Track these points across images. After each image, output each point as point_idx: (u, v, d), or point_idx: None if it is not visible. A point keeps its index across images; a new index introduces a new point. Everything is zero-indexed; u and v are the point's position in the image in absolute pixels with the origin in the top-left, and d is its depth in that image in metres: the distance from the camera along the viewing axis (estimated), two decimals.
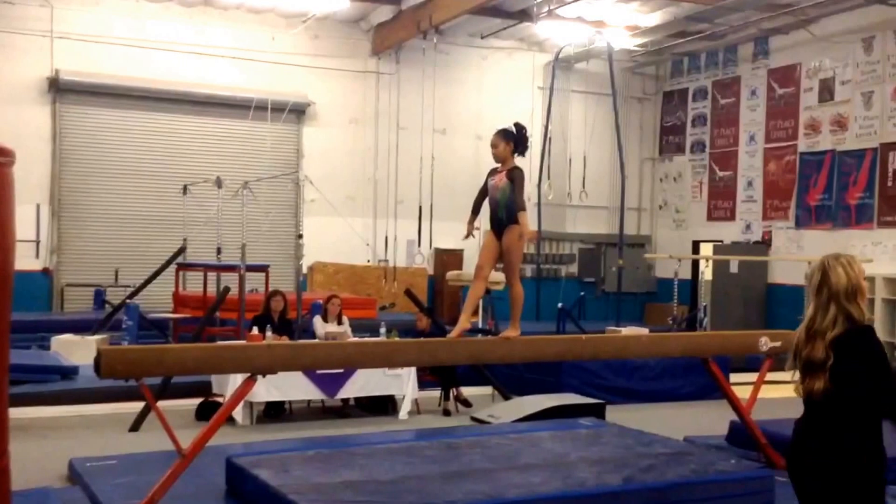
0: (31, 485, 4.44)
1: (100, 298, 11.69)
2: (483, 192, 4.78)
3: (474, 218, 4.84)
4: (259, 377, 4.19)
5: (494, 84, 14.47)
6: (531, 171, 14.06)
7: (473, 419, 7.11)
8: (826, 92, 12.70)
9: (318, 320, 7.97)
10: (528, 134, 4.81)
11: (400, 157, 13.34)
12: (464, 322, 4.67)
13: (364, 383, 7.10)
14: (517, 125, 4.77)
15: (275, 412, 7.24)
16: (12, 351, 2.62)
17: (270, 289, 9.08)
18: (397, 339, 7.01)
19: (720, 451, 5.60)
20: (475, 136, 14.40)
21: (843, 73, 12.45)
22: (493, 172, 4.76)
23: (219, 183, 10.28)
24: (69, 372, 7.91)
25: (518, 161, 4.76)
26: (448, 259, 13.66)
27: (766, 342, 5.28)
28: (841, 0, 11.84)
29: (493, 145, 4.73)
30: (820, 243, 12.39)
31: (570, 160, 14.52)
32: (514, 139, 4.69)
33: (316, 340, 7.17)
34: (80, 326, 9.83)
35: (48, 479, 4.86)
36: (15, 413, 2.97)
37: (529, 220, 4.73)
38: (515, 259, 4.69)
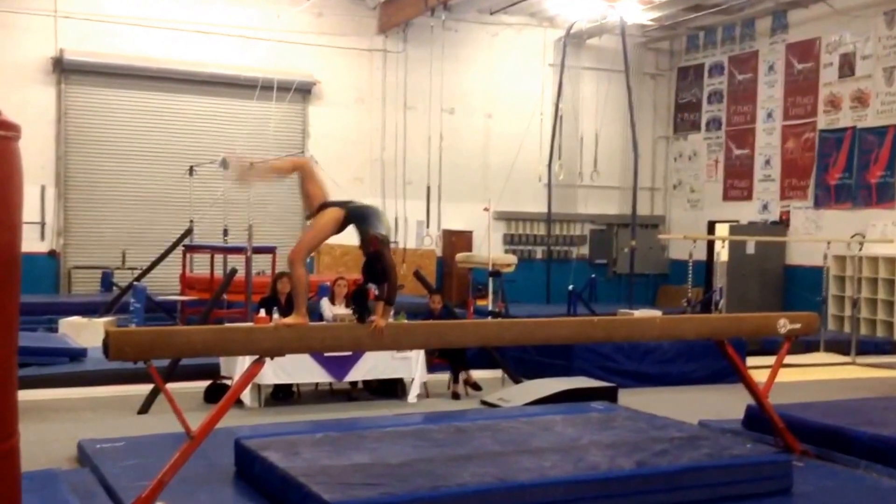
0: (39, 466, 4.41)
1: (107, 281, 11.68)
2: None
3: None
4: (267, 360, 4.16)
5: (504, 62, 14.26)
6: (542, 152, 13.95)
7: (483, 403, 7.04)
8: (846, 67, 12.42)
9: (325, 302, 7.89)
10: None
11: (408, 137, 13.19)
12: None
13: (372, 366, 7.04)
14: None
15: (283, 395, 7.19)
16: (20, 333, 2.56)
17: (277, 271, 9.00)
18: (406, 321, 6.91)
19: (736, 435, 5.50)
20: (485, 116, 14.25)
21: (864, 47, 12.16)
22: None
23: (224, 164, 10.16)
24: (77, 354, 7.90)
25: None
26: (457, 240, 13.53)
27: (785, 324, 5.15)
28: None
29: None
30: (839, 223, 12.19)
31: (581, 139, 14.33)
32: None
33: (323, 323, 7.09)
34: (87, 309, 9.84)
35: (56, 460, 4.84)
36: (23, 395, 2.93)
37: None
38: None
